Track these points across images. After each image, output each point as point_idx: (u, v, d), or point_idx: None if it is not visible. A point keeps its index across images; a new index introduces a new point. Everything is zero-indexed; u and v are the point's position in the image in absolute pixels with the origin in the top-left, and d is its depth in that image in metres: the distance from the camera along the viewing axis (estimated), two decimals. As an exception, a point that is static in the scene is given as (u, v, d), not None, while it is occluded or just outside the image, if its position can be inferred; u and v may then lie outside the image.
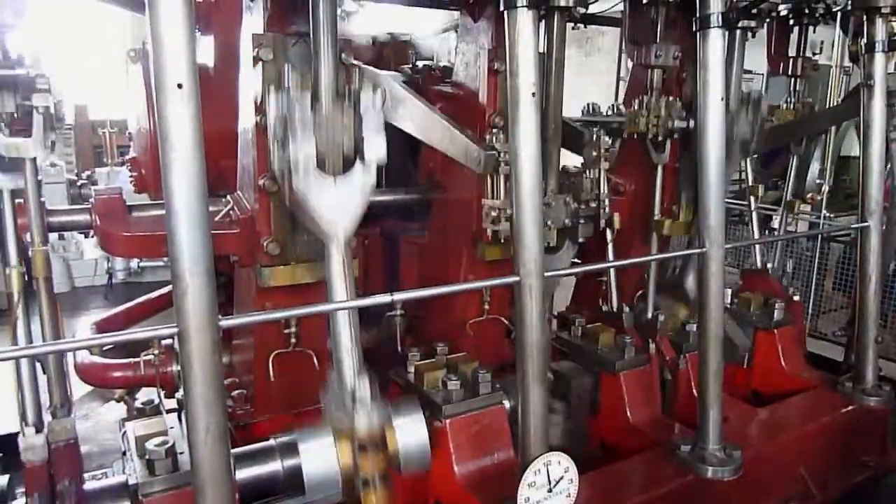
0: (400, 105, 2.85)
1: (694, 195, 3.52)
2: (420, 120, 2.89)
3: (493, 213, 3.16)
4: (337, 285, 2.45)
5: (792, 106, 4.76)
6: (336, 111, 2.40)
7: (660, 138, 3.78)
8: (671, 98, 3.71)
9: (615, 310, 4.02)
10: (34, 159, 2.62)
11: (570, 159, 3.61)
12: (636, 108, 3.73)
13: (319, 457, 2.61)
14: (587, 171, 3.50)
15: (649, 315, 4.05)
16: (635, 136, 3.76)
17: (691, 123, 3.63)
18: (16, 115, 2.54)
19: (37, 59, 2.47)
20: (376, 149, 2.42)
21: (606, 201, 3.59)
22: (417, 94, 2.98)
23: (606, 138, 3.52)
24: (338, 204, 2.38)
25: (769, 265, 4.90)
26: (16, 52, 2.51)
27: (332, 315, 2.49)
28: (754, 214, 4.62)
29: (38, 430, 2.74)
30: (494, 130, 3.26)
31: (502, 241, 3.28)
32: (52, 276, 2.85)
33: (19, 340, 2.70)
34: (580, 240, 3.41)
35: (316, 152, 2.34)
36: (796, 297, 4.55)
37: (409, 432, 2.85)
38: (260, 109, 2.66)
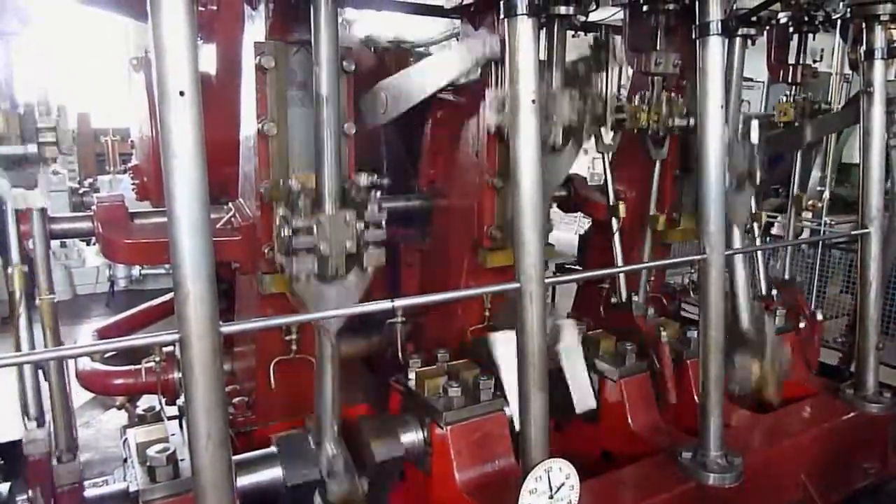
0: (399, 92, 2.89)
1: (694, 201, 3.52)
2: (418, 77, 2.93)
3: (496, 104, 3.16)
4: (326, 369, 2.69)
5: (792, 99, 4.75)
6: (339, 220, 2.50)
7: (660, 134, 3.78)
8: (672, 94, 3.72)
9: (623, 300, 4.04)
10: (42, 209, 2.69)
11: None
12: (637, 103, 3.73)
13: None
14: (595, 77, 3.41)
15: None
16: (635, 131, 3.77)
17: (691, 121, 3.63)
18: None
19: (47, 104, 2.49)
20: (375, 259, 2.56)
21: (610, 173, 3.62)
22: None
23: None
24: (333, 304, 2.56)
25: (798, 278, 4.91)
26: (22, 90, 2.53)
27: (317, 382, 2.74)
28: (755, 224, 4.62)
29: (40, 425, 2.74)
30: None
31: (504, 138, 3.22)
32: (54, 283, 2.85)
33: (22, 347, 2.71)
34: (585, 138, 3.29)
35: (318, 257, 2.48)
36: (820, 317, 4.55)
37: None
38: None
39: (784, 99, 4.74)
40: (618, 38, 3.63)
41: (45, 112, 2.46)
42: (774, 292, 4.57)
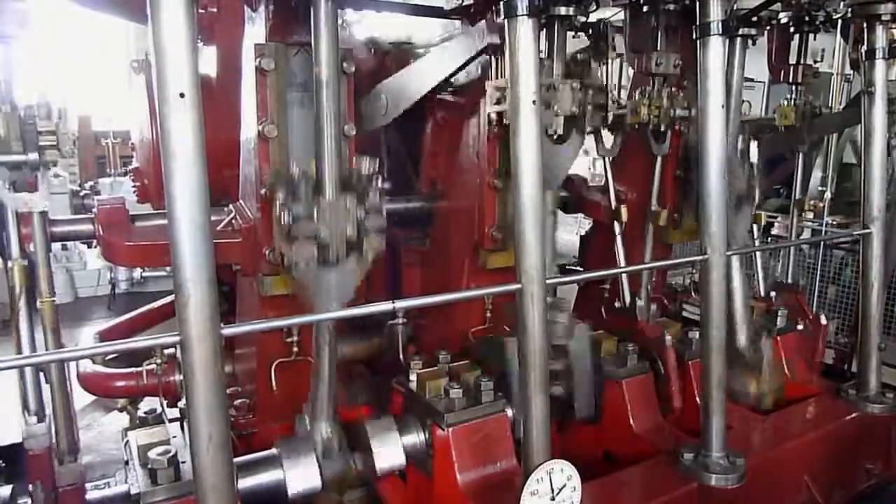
0: (400, 92, 2.89)
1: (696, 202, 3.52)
2: (417, 76, 2.94)
3: (497, 95, 3.16)
4: (324, 350, 2.72)
5: (793, 103, 4.75)
6: (340, 206, 2.51)
7: (661, 129, 3.78)
8: (673, 90, 3.71)
9: (627, 305, 4.03)
10: (43, 212, 2.69)
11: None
12: (637, 97, 3.72)
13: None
14: (598, 66, 3.41)
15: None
16: (636, 126, 3.76)
17: (693, 112, 3.63)
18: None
19: (46, 106, 2.49)
20: (375, 245, 2.58)
21: (610, 172, 3.64)
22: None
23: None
24: (333, 289, 2.57)
25: (801, 281, 4.91)
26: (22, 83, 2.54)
27: (315, 364, 2.76)
28: (754, 224, 4.62)
29: (40, 420, 2.74)
30: None
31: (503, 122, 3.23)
32: (55, 285, 2.85)
33: (23, 349, 2.71)
34: (588, 130, 3.31)
35: (318, 243, 2.50)
36: (823, 321, 4.55)
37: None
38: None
39: (785, 102, 4.74)
40: (618, 36, 3.62)
41: (46, 115, 2.46)
42: (773, 294, 4.56)
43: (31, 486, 2.71)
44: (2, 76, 2.46)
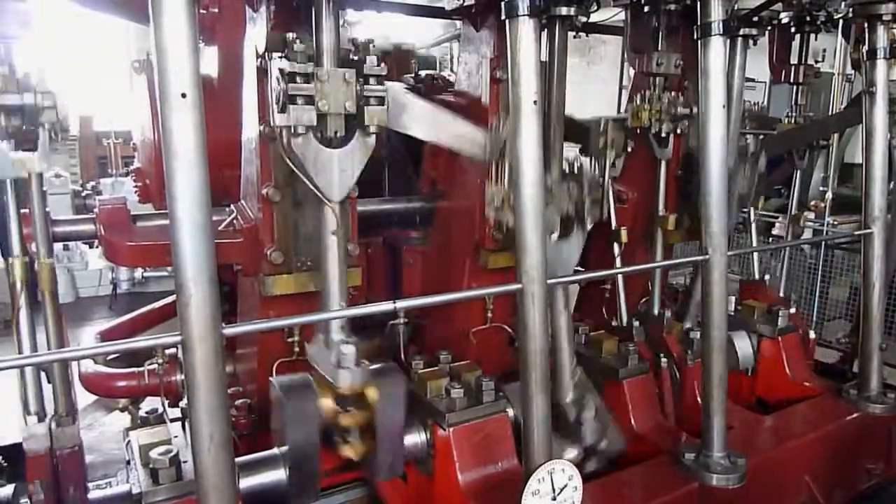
0: (404, 111, 2.87)
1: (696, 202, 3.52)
2: (425, 120, 2.92)
3: (497, 202, 3.18)
4: (331, 246, 2.58)
5: (794, 121, 4.77)
6: (338, 76, 2.41)
7: (663, 133, 3.78)
8: (674, 93, 3.72)
9: (624, 323, 4.03)
10: (40, 174, 2.65)
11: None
12: (638, 102, 3.73)
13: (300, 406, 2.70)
14: (592, 161, 3.48)
15: (655, 313, 4.07)
16: (638, 130, 3.76)
17: (694, 110, 3.63)
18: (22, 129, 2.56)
19: (42, 74, 2.48)
20: (377, 116, 2.45)
21: (611, 191, 3.61)
22: (418, 96, 3.00)
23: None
24: (335, 171, 2.46)
25: (766, 275, 4.89)
26: (22, 68, 2.53)
27: (325, 269, 2.61)
28: (753, 224, 4.63)
29: (41, 420, 2.74)
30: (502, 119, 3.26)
31: (505, 230, 3.26)
32: (57, 285, 2.85)
33: (24, 349, 2.71)
34: (588, 223, 3.34)
35: (317, 116, 2.38)
36: (793, 309, 4.53)
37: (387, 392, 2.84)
38: (262, 76, 2.68)
39: (785, 120, 4.77)
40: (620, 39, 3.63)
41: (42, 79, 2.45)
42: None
43: (30, 486, 2.71)
44: (3, 78, 2.47)
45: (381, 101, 2.46)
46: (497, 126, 3.14)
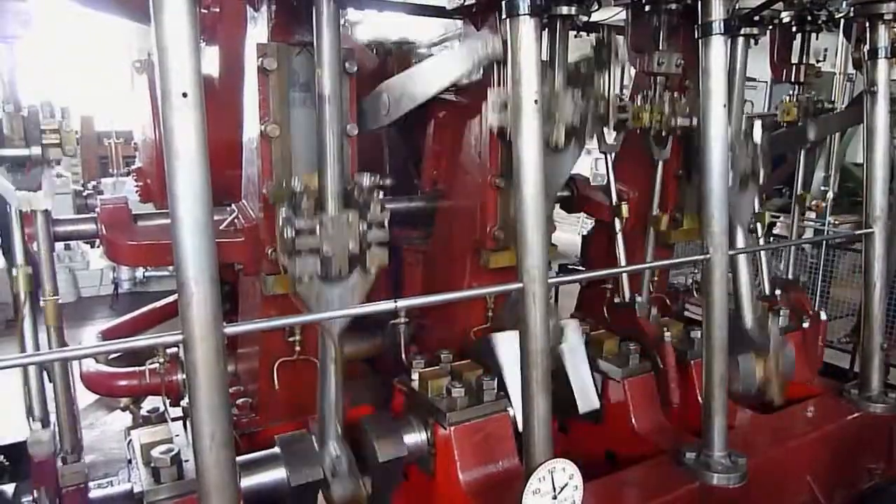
0: (402, 93, 2.89)
1: (697, 202, 3.52)
2: (421, 79, 2.94)
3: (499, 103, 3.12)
4: (329, 370, 2.71)
5: (796, 98, 4.74)
6: (342, 221, 2.51)
7: (663, 134, 3.78)
8: (675, 94, 3.72)
9: (626, 300, 4.04)
10: (45, 210, 2.68)
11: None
12: (639, 103, 3.73)
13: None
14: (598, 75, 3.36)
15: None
16: (638, 130, 3.76)
17: (694, 121, 3.63)
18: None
19: (49, 105, 2.50)
20: (378, 259, 2.57)
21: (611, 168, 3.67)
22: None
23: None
24: (335, 304, 2.58)
25: (802, 278, 4.91)
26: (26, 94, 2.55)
27: (321, 384, 2.75)
28: (758, 224, 4.61)
29: (45, 426, 2.74)
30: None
31: (507, 137, 3.16)
32: (58, 285, 2.85)
33: (26, 348, 2.71)
34: (588, 136, 3.28)
35: (321, 258, 2.50)
36: (823, 316, 4.55)
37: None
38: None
39: (787, 98, 4.74)
40: (620, 38, 3.60)
41: (49, 114, 2.47)
42: (778, 292, 4.56)
43: (34, 493, 2.72)
44: (5, 77, 2.47)
45: (383, 245, 2.59)
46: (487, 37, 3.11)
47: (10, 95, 2.44)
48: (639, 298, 3.99)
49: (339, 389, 2.75)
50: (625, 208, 3.89)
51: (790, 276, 4.91)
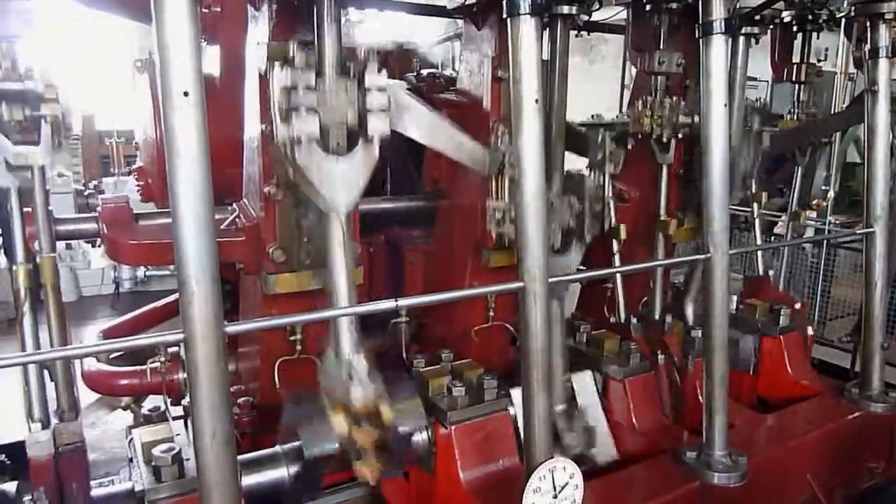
0: (405, 112, 2.86)
1: (698, 201, 3.52)
2: (426, 126, 2.91)
3: (498, 215, 3.15)
4: (337, 256, 2.50)
5: (795, 116, 4.76)
6: (340, 87, 2.40)
7: (664, 139, 3.78)
8: (675, 98, 3.72)
9: (622, 320, 4.02)
10: (42, 167, 2.64)
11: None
12: (640, 108, 3.73)
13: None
14: (592, 173, 3.48)
15: (657, 317, 4.05)
16: (639, 136, 3.76)
17: (696, 119, 3.63)
18: (24, 121, 2.56)
19: (45, 70, 2.49)
20: (379, 126, 2.43)
21: (611, 203, 3.60)
22: (422, 100, 2.99)
23: (611, 140, 3.51)
24: (340, 181, 2.42)
25: (770, 272, 4.88)
26: (25, 63, 2.54)
27: (333, 291, 2.53)
28: (757, 221, 4.62)
29: (45, 427, 2.75)
30: (500, 133, 3.25)
31: (507, 244, 3.26)
32: (60, 283, 2.86)
33: (27, 347, 2.72)
34: (587, 238, 3.33)
35: (319, 126, 2.36)
36: (798, 305, 4.53)
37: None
38: (263, 84, 2.68)
39: (787, 117, 4.76)
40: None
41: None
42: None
43: (34, 494, 2.72)
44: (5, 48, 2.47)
45: (383, 111, 2.45)
46: (496, 141, 3.10)
47: (7, 54, 2.44)
48: (634, 320, 3.98)
49: (352, 279, 2.55)
50: (623, 230, 3.82)
51: (761, 273, 4.85)
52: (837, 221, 8.38)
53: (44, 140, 2.52)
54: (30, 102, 2.46)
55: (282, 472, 2.86)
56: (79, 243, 10.63)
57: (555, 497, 2.64)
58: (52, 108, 2.45)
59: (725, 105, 3.04)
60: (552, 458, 2.64)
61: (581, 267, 3.51)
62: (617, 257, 3.85)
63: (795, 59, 4.68)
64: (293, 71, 2.31)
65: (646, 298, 4.31)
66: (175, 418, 3.06)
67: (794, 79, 4.71)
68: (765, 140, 4.09)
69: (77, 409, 2.93)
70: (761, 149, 4.10)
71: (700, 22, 2.99)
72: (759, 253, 4.84)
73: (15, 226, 2.69)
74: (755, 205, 4.56)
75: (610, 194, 3.54)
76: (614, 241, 3.84)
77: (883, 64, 3.78)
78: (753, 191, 4.45)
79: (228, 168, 3.25)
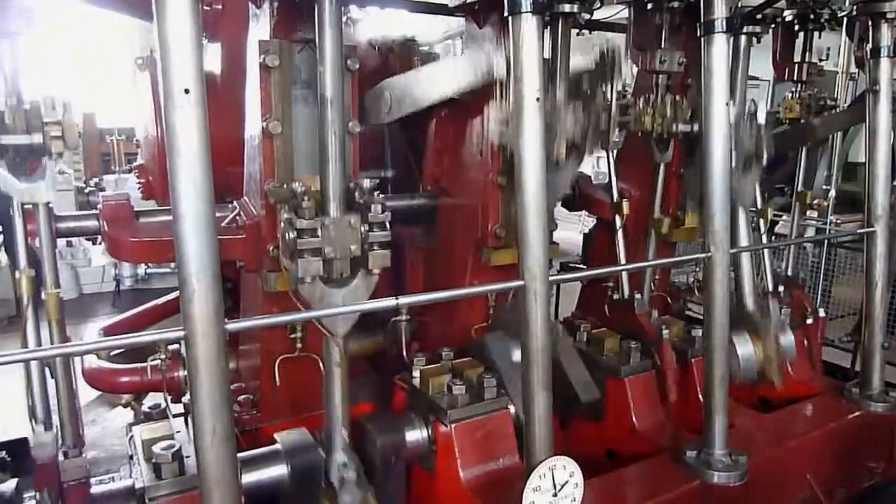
0: (404, 94, 2.88)
1: (699, 200, 3.51)
2: (424, 83, 2.92)
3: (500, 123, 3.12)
4: (335, 378, 2.67)
5: (798, 96, 4.73)
6: (343, 224, 2.48)
7: (664, 136, 3.78)
8: (677, 97, 3.71)
9: (626, 297, 4.04)
10: (47, 203, 2.68)
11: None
12: (642, 106, 3.73)
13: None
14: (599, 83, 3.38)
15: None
16: (640, 133, 3.76)
17: (695, 128, 3.63)
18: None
19: (52, 98, 2.50)
20: (380, 261, 2.52)
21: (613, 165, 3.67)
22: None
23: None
24: (340, 307, 2.53)
25: (801, 275, 4.92)
26: (24, 62, 2.54)
27: (326, 389, 2.70)
28: (761, 220, 4.61)
29: (48, 428, 2.75)
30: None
31: (508, 155, 3.13)
32: (60, 281, 2.86)
33: (29, 344, 2.72)
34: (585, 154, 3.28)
35: (322, 259, 2.46)
36: (822, 313, 4.55)
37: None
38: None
39: (790, 95, 4.74)
40: (622, 46, 3.57)
41: (51, 107, 2.47)
42: (781, 288, 4.55)
43: (37, 494, 2.73)
44: (8, 72, 2.47)
45: (384, 246, 2.54)
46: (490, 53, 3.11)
47: (12, 90, 2.45)
48: (637, 297, 3.99)
49: (346, 395, 2.72)
50: (625, 205, 3.89)
51: (790, 274, 4.90)
52: (839, 221, 8.37)
53: (48, 176, 2.55)
54: (35, 152, 2.49)
55: (282, 470, 2.86)
56: (79, 241, 10.62)
57: (555, 495, 2.64)
58: (58, 146, 2.47)
59: (727, 104, 3.04)
60: (552, 456, 2.64)
61: (582, 266, 3.51)
62: (620, 234, 3.86)
63: (797, 58, 4.67)
64: (300, 217, 2.41)
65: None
66: (175, 416, 3.07)
67: (795, 78, 4.70)
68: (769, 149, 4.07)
69: (77, 406, 2.94)
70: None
71: (701, 20, 2.99)
72: (790, 254, 4.89)
73: (17, 230, 2.68)
74: (759, 200, 4.54)
75: (616, 106, 3.40)
76: (618, 217, 3.85)
77: (885, 63, 3.78)
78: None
79: (229, 166, 3.25)
